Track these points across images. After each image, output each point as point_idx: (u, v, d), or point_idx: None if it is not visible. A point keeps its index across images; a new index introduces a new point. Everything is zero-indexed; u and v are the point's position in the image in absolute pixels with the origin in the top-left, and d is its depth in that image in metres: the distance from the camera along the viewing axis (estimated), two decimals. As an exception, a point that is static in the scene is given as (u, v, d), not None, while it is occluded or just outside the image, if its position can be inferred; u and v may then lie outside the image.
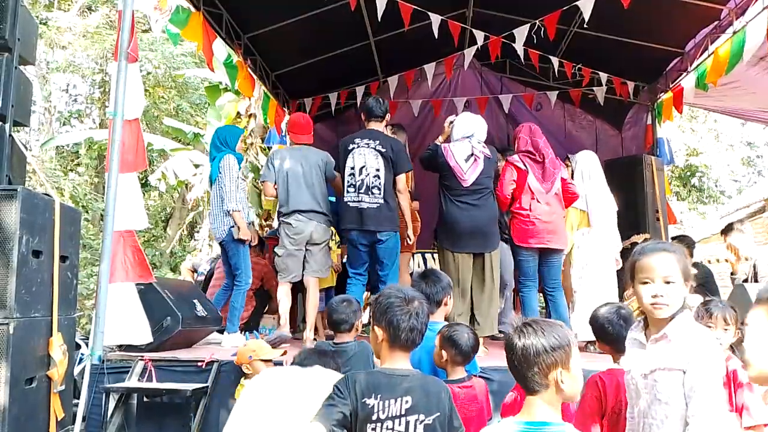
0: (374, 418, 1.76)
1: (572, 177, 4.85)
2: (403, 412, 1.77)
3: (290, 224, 4.57)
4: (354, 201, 4.36)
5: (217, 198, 4.71)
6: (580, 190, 4.68)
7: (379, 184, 4.32)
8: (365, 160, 4.35)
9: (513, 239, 4.55)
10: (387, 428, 1.76)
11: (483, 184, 4.34)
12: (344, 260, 5.55)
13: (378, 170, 4.33)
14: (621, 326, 2.39)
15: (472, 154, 4.34)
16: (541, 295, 6.45)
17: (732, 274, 5.25)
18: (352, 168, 4.37)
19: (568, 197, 4.60)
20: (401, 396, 1.78)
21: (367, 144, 4.38)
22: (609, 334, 2.45)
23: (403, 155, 4.49)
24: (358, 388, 1.78)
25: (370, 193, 4.32)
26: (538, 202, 4.45)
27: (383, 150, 4.36)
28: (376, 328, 1.93)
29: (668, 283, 1.81)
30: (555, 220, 4.48)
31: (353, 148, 4.39)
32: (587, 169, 4.79)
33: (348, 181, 4.40)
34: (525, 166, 4.49)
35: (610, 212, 4.77)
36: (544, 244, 4.44)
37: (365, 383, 1.80)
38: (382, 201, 4.32)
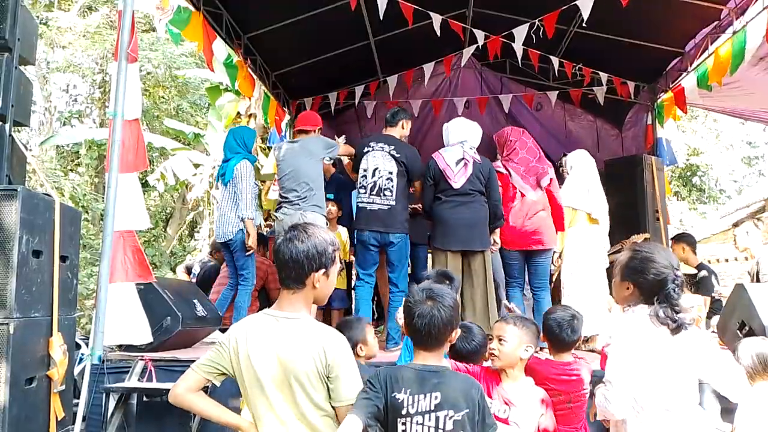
0: (404, 412, 1.80)
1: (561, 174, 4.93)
2: (432, 408, 1.80)
3: (277, 217, 4.67)
4: (365, 202, 4.46)
5: (229, 200, 4.72)
6: (572, 188, 4.72)
7: (392, 186, 4.42)
8: (377, 162, 4.46)
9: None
10: (417, 423, 1.79)
11: (473, 187, 4.37)
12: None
13: (391, 173, 4.43)
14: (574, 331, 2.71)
15: (463, 158, 4.37)
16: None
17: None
18: (365, 170, 4.49)
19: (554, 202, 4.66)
20: (431, 391, 1.81)
21: (381, 147, 4.49)
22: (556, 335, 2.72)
23: (418, 162, 4.58)
24: (389, 382, 1.82)
25: (382, 194, 4.42)
26: (520, 204, 4.57)
27: (398, 155, 4.46)
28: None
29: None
30: (538, 221, 4.55)
31: (367, 151, 4.52)
32: (578, 166, 4.79)
33: (360, 183, 4.52)
34: (506, 170, 4.61)
35: (603, 210, 4.75)
36: (529, 246, 4.55)
37: (396, 378, 1.83)
38: (393, 203, 4.41)
